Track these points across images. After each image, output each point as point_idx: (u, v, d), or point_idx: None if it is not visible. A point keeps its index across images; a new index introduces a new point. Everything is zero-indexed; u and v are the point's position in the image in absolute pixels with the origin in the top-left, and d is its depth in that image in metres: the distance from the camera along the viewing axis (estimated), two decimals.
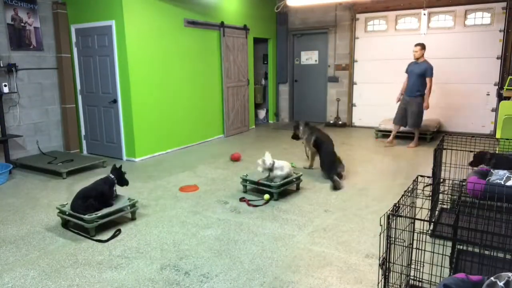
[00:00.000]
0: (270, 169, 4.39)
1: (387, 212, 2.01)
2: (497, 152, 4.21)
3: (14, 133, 5.83)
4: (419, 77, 6.63)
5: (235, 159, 6.10)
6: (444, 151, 3.63)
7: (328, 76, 9.28)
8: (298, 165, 5.67)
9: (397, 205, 2.08)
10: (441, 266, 2.16)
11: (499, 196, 2.80)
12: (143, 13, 6.03)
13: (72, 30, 6.40)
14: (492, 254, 2.08)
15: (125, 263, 3.03)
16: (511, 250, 2.28)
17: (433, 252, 2.14)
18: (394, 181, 4.97)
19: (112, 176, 3.80)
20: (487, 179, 3.31)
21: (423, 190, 2.55)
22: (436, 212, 3.55)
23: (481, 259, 2.08)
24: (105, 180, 3.76)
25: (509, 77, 6.53)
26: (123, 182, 3.93)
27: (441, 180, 3.46)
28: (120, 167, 3.92)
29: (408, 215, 2.16)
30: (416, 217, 2.14)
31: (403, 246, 2.16)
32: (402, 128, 7.60)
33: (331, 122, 9.24)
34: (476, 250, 2.32)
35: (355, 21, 8.73)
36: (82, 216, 3.47)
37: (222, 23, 7.65)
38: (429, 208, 3.20)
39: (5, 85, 5.57)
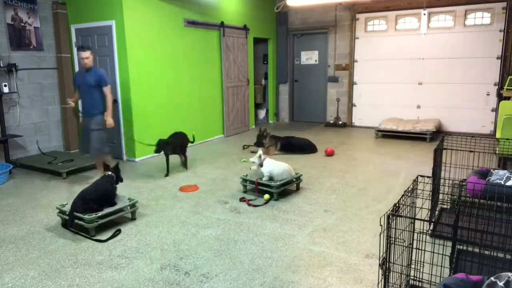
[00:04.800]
0: (261, 164, 4.49)
1: (387, 212, 2.01)
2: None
3: (14, 133, 5.83)
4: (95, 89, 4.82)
5: (329, 153, 6.30)
6: (444, 151, 3.63)
7: (328, 76, 9.28)
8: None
9: (397, 205, 2.08)
10: (441, 266, 2.16)
11: (499, 196, 2.79)
12: (143, 13, 6.03)
13: (72, 30, 6.40)
14: (492, 254, 2.08)
15: (125, 263, 3.03)
16: (511, 250, 2.28)
17: (433, 252, 2.14)
18: (394, 181, 4.97)
19: (111, 173, 3.82)
20: (487, 179, 3.31)
21: (423, 190, 2.54)
22: (436, 212, 3.55)
23: (481, 259, 2.08)
24: (106, 179, 3.76)
25: (509, 77, 6.53)
26: (119, 180, 3.95)
27: (441, 180, 3.46)
28: (118, 164, 3.97)
29: (408, 215, 2.16)
30: (416, 217, 2.14)
31: (403, 246, 2.16)
32: (401, 128, 7.61)
33: (331, 122, 9.24)
34: (476, 250, 2.32)
35: (355, 21, 8.73)
36: (81, 216, 3.47)
37: (222, 23, 7.65)
38: (429, 208, 3.20)
39: (5, 85, 5.57)
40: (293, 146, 6.61)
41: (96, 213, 3.51)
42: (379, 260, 2.06)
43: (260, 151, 4.66)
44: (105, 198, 3.67)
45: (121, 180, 3.99)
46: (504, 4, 7.32)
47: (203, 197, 4.49)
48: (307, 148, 6.59)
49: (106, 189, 3.71)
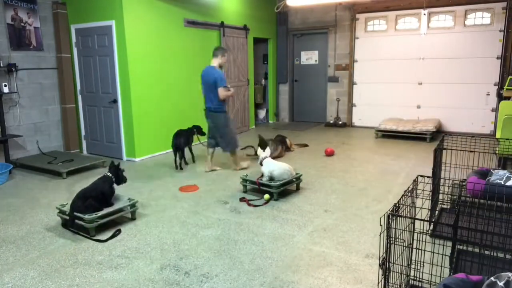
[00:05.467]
0: (261, 163, 4.49)
1: (387, 212, 2.01)
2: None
3: (14, 133, 5.83)
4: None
5: (329, 153, 6.33)
6: (444, 151, 3.63)
7: (328, 76, 9.28)
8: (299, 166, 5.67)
9: (397, 205, 2.08)
10: (441, 266, 2.16)
11: (499, 196, 2.79)
12: (143, 13, 6.03)
13: (72, 30, 6.40)
14: (492, 254, 2.08)
15: (125, 263, 3.03)
16: (511, 250, 2.28)
17: (433, 252, 2.14)
18: (394, 181, 4.97)
19: (110, 174, 3.79)
20: (487, 179, 3.32)
21: (423, 190, 2.55)
22: (436, 212, 3.55)
23: (481, 259, 2.08)
24: (103, 179, 3.75)
25: (509, 77, 6.53)
26: (121, 180, 3.88)
27: (441, 180, 3.46)
28: (118, 164, 3.90)
29: (408, 215, 2.16)
30: (416, 217, 2.14)
31: (403, 246, 2.16)
32: (401, 128, 7.62)
33: (331, 122, 9.24)
34: (476, 250, 2.32)
35: (355, 21, 8.73)
36: (81, 216, 3.47)
37: (222, 23, 7.65)
38: (429, 208, 3.20)
39: (5, 85, 5.57)
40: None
41: (96, 213, 3.51)
42: (379, 260, 2.06)
43: (267, 149, 4.74)
44: (102, 198, 3.66)
45: (124, 180, 3.92)
46: (504, 4, 7.32)
47: (203, 197, 4.49)
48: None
49: (102, 191, 3.68)
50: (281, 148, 6.46)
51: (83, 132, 6.73)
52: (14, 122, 5.86)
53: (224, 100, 5.19)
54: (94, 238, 3.45)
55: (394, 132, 7.64)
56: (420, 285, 2.41)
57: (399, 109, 8.54)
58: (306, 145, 7.07)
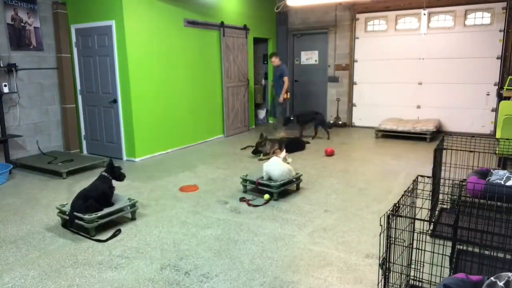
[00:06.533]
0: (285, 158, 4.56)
1: (387, 212, 2.01)
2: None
3: (14, 133, 5.83)
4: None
5: (329, 153, 6.36)
6: (444, 151, 3.63)
7: (328, 76, 9.28)
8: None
9: (397, 205, 2.08)
10: (441, 266, 2.16)
11: (499, 196, 2.80)
12: (143, 13, 6.03)
13: (72, 30, 6.40)
14: (492, 254, 2.08)
15: (125, 263, 3.03)
16: (511, 250, 2.28)
17: (433, 252, 2.14)
18: (394, 181, 4.97)
19: (106, 174, 3.77)
20: (487, 179, 3.32)
21: (423, 190, 2.55)
22: (436, 212, 3.55)
23: (481, 259, 2.08)
24: (103, 180, 3.74)
25: (509, 77, 6.53)
26: (120, 177, 3.86)
27: (441, 180, 3.46)
28: (112, 163, 3.85)
29: (408, 215, 2.16)
30: (416, 217, 2.14)
31: (403, 246, 2.16)
32: (401, 128, 7.62)
33: (331, 122, 9.23)
34: (476, 250, 2.32)
35: (355, 21, 8.73)
36: (81, 216, 3.47)
37: (222, 23, 7.65)
38: (429, 208, 3.20)
39: (5, 85, 5.57)
40: (291, 145, 6.71)
41: (96, 213, 3.51)
42: (379, 260, 2.06)
43: (283, 153, 4.80)
44: (102, 199, 3.66)
45: (123, 176, 3.89)
46: (504, 4, 7.32)
47: (203, 197, 4.49)
48: (302, 145, 6.98)
49: (102, 190, 3.68)
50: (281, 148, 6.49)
51: (83, 132, 6.73)
52: (14, 122, 5.86)
53: None
54: (94, 238, 3.45)
55: (394, 132, 7.63)
56: (420, 285, 2.41)
57: (399, 109, 8.54)
58: (307, 142, 7.26)
